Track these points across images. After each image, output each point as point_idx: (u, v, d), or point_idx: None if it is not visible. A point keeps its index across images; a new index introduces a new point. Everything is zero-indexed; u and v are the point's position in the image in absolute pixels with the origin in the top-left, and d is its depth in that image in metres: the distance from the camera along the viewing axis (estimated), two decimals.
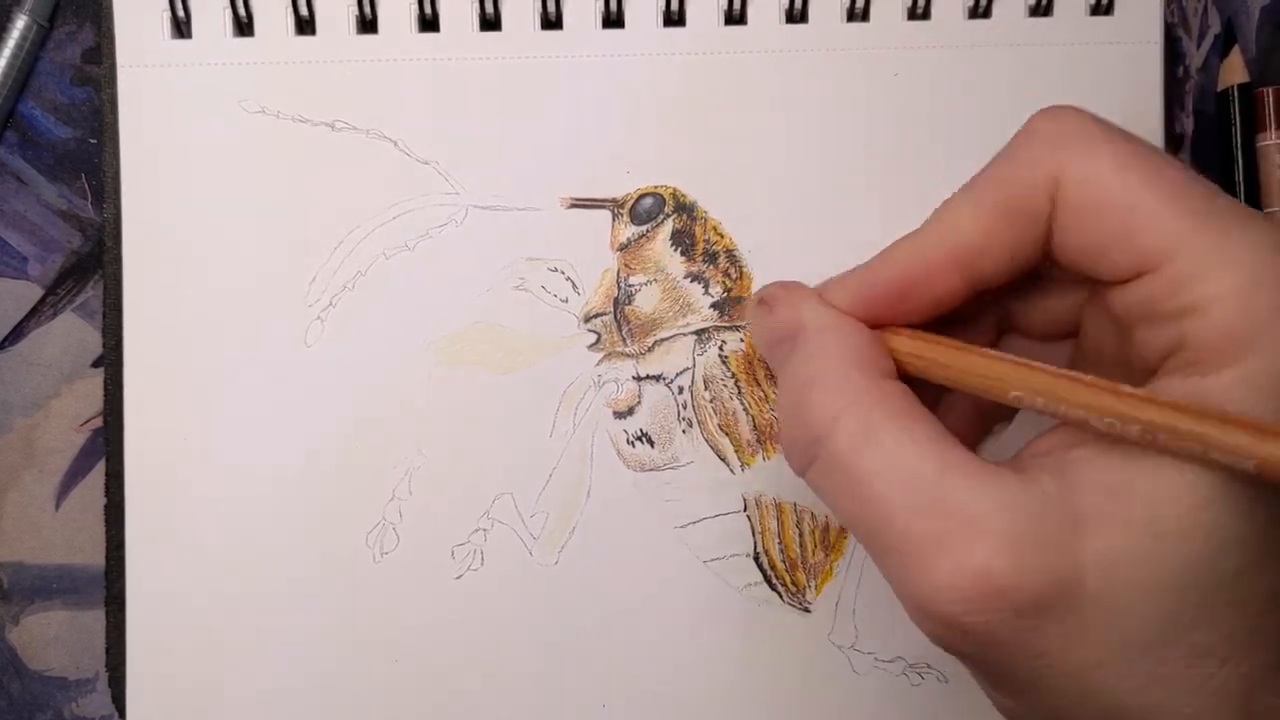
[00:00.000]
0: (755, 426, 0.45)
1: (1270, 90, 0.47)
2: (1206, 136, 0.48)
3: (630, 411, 0.45)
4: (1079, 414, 0.30)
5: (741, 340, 0.45)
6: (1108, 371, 0.32)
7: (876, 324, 0.35)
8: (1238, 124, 0.47)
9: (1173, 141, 0.47)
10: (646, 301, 0.45)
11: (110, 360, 0.45)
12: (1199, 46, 0.48)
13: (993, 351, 0.33)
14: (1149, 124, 0.46)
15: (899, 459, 0.31)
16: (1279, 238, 0.30)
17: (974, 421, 0.39)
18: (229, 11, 0.45)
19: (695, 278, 0.45)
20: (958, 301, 0.34)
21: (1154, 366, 0.31)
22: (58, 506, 0.46)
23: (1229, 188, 0.46)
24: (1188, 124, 0.48)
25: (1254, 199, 0.46)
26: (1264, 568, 0.29)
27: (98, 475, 0.46)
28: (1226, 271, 0.29)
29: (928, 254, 0.34)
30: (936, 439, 0.31)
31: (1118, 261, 0.31)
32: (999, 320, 0.38)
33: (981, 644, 0.30)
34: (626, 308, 0.45)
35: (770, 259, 0.46)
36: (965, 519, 0.30)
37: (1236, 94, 0.47)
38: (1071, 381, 0.31)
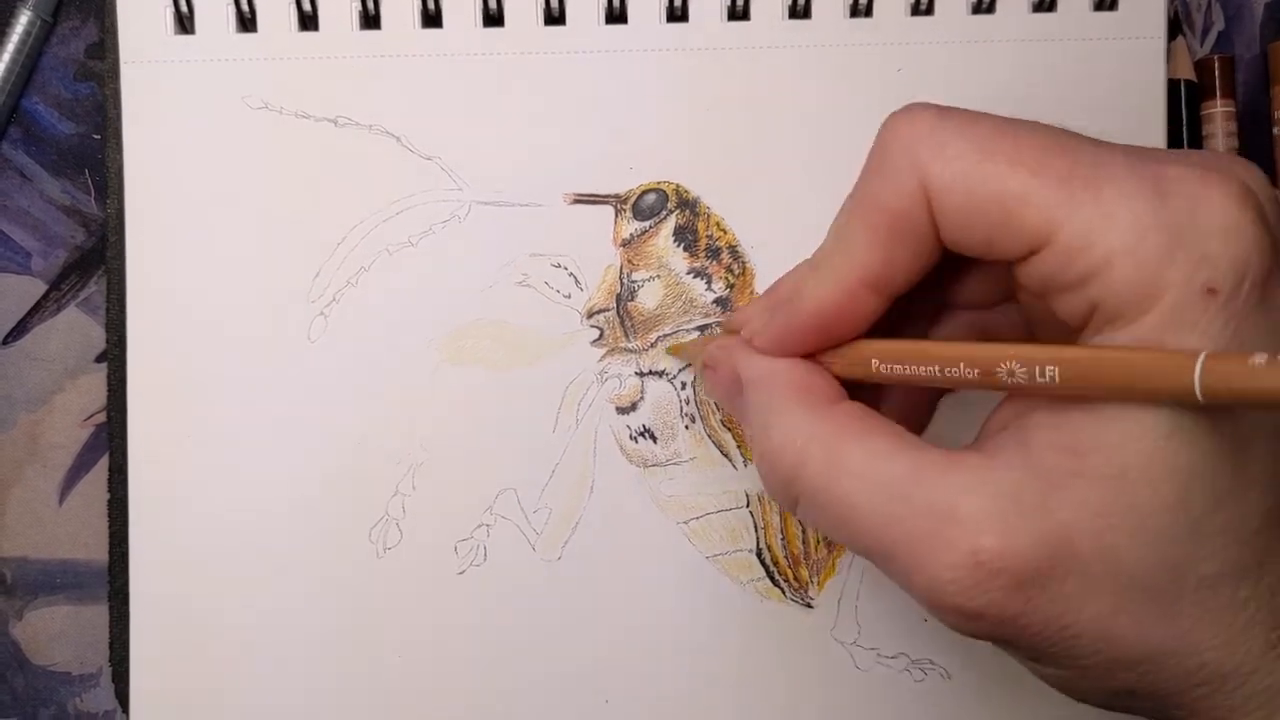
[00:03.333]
0: None
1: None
2: None
3: (633, 407, 0.45)
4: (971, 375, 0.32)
5: None
6: (1054, 330, 0.33)
7: (806, 352, 0.36)
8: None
9: (1174, 139, 0.47)
10: (649, 297, 0.45)
11: (113, 355, 0.45)
12: (1202, 42, 0.48)
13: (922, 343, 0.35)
14: (1152, 119, 0.46)
15: (870, 475, 0.32)
16: (1149, 175, 0.30)
17: (921, 406, 0.40)
18: (232, 7, 0.45)
19: (698, 274, 0.45)
20: (877, 315, 0.35)
21: (1081, 327, 0.31)
22: (61, 502, 0.46)
23: None
24: None
25: None
26: (1246, 488, 0.30)
27: (101, 470, 0.46)
28: (1111, 230, 0.30)
29: (839, 283, 0.34)
30: (900, 445, 0.32)
31: (1008, 247, 0.31)
32: (936, 306, 0.38)
33: (1001, 625, 0.31)
34: (629, 304, 0.45)
35: (773, 254, 0.45)
36: (945, 513, 0.30)
37: (1184, 89, 0.47)
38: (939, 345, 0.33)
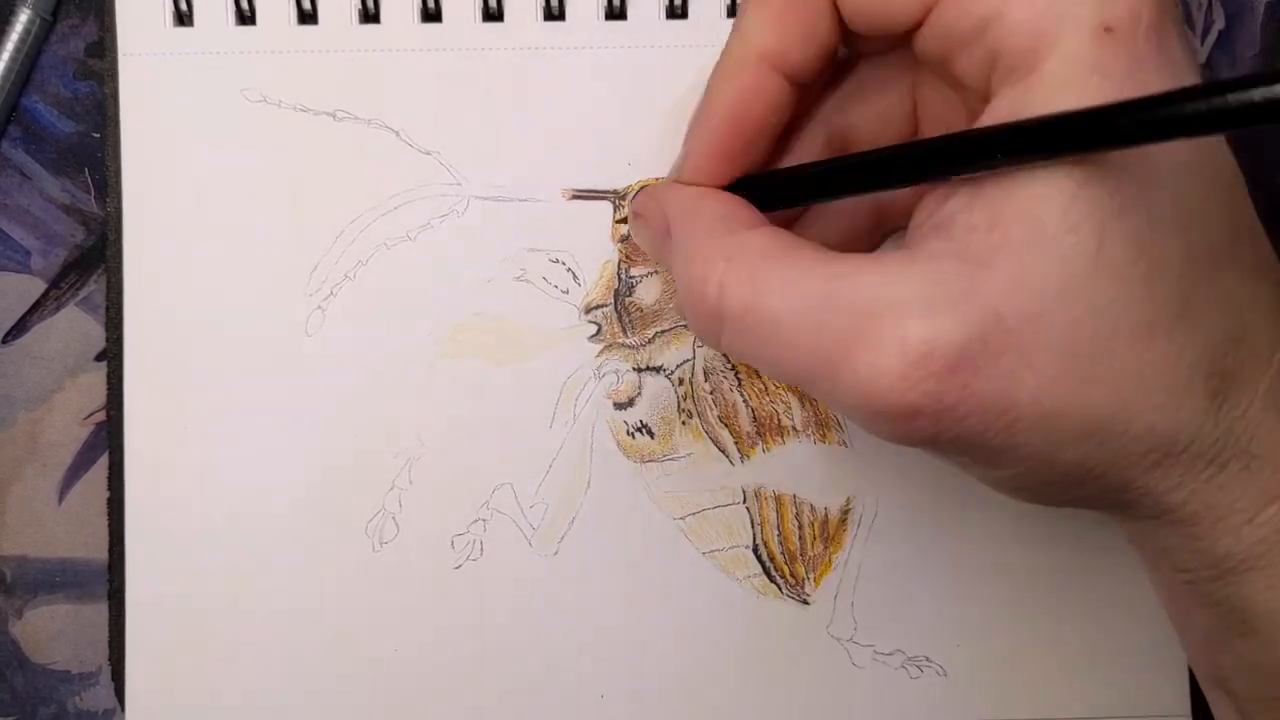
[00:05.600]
0: (755, 418, 0.45)
1: None
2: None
3: (630, 403, 0.45)
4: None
5: None
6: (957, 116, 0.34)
7: (734, 166, 0.36)
8: None
9: None
10: (647, 293, 0.45)
11: (112, 354, 0.45)
12: (1203, 42, 0.48)
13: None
14: None
15: (791, 289, 0.31)
16: None
17: (858, 238, 0.40)
18: (231, 0, 0.45)
19: None
20: (787, 105, 0.35)
21: (985, 90, 0.31)
22: (61, 500, 0.46)
23: None
24: None
25: None
26: (1160, 232, 0.30)
27: (101, 469, 0.46)
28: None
29: (741, 70, 0.35)
30: (820, 259, 0.32)
31: (902, 3, 0.32)
32: (831, 139, 0.39)
33: (939, 420, 0.30)
34: (627, 299, 0.45)
35: None
36: (867, 309, 0.30)
37: None
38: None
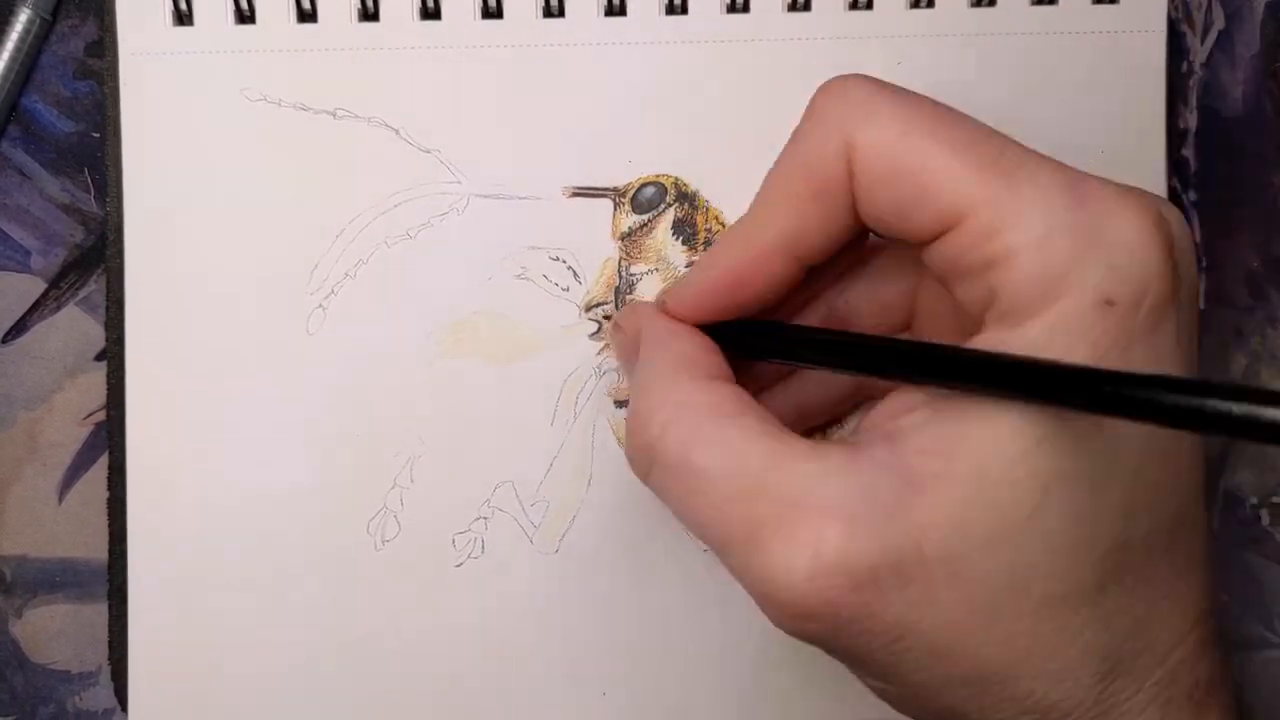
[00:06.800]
0: None
1: None
2: (1209, 131, 0.48)
3: None
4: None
5: None
6: (948, 330, 0.34)
7: (721, 317, 0.36)
8: None
9: (1175, 136, 0.47)
10: (648, 291, 0.45)
11: (112, 353, 0.45)
12: (1203, 41, 0.48)
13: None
14: (1152, 113, 0.46)
15: (726, 454, 0.32)
16: (1069, 182, 0.30)
17: (837, 399, 0.41)
18: None
19: None
20: (790, 283, 0.35)
21: (977, 317, 0.31)
22: (60, 500, 0.46)
23: None
24: (1191, 119, 0.48)
25: None
26: (1103, 510, 0.30)
27: (100, 469, 0.46)
28: (1022, 222, 0.30)
29: (753, 242, 0.35)
30: (766, 431, 0.32)
31: (920, 222, 0.32)
32: (830, 318, 0.39)
33: (831, 626, 0.30)
34: (628, 297, 0.45)
35: None
36: (794, 499, 0.30)
37: None
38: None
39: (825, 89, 0.34)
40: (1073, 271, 0.29)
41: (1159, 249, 0.30)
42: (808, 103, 0.35)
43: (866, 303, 0.38)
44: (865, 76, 0.34)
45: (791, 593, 0.30)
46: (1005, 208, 0.30)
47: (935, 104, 0.33)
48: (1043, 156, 0.32)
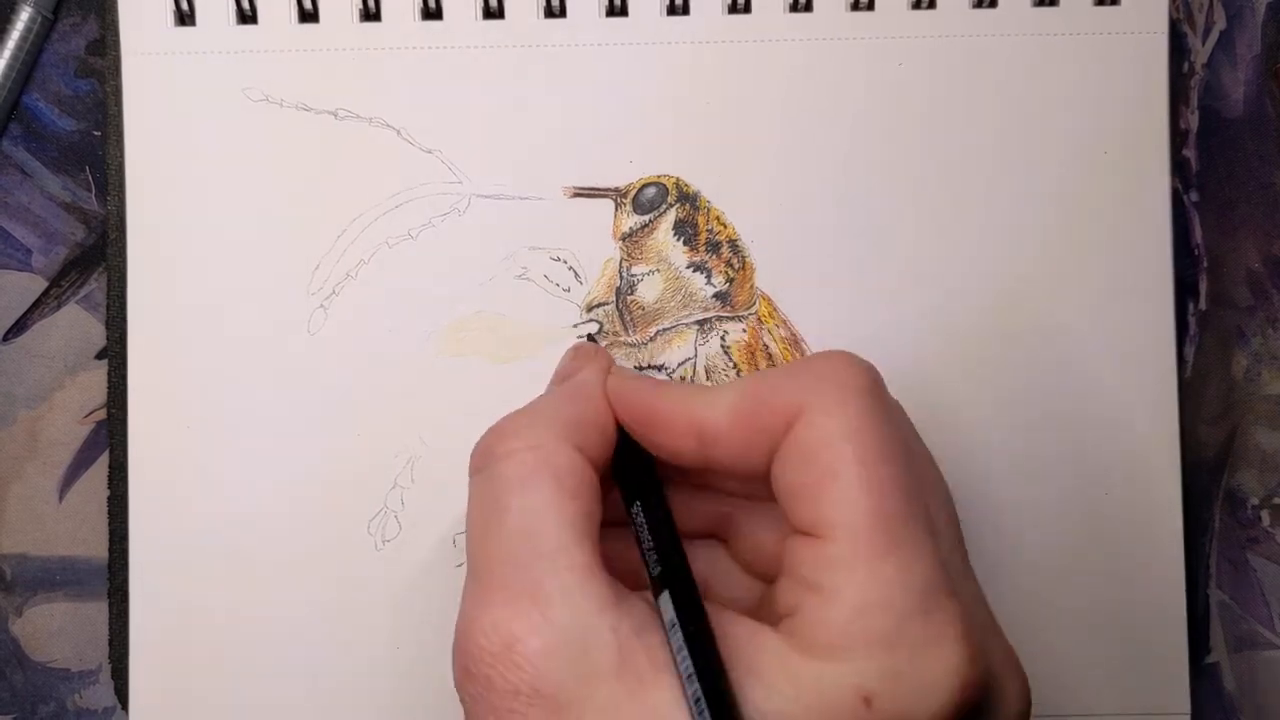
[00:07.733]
0: None
1: None
2: (1210, 132, 0.48)
3: None
4: None
5: (744, 330, 0.45)
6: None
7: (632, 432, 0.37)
8: None
9: (1176, 136, 0.47)
10: (649, 291, 0.45)
11: (114, 352, 0.45)
12: (1204, 42, 0.48)
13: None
14: (1154, 114, 0.46)
15: (533, 518, 0.33)
16: (929, 577, 0.31)
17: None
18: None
19: (698, 268, 0.45)
20: (688, 462, 0.36)
21: (779, 618, 0.32)
22: (61, 498, 0.46)
23: None
24: (1192, 120, 0.48)
25: None
26: None
27: (101, 467, 0.46)
28: (861, 584, 0.31)
29: (684, 408, 0.35)
30: (575, 520, 0.33)
31: (801, 511, 0.32)
32: (715, 526, 0.39)
33: (475, 695, 0.32)
34: (629, 297, 0.45)
35: (772, 248, 0.45)
36: (530, 591, 0.32)
37: None
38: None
39: (828, 356, 0.35)
40: (859, 652, 0.30)
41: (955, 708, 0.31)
42: (826, 356, 0.35)
43: (744, 538, 0.38)
44: (870, 369, 0.34)
45: (468, 656, 0.32)
46: (860, 563, 0.31)
47: (898, 436, 0.33)
48: (930, 545, 0.32)
